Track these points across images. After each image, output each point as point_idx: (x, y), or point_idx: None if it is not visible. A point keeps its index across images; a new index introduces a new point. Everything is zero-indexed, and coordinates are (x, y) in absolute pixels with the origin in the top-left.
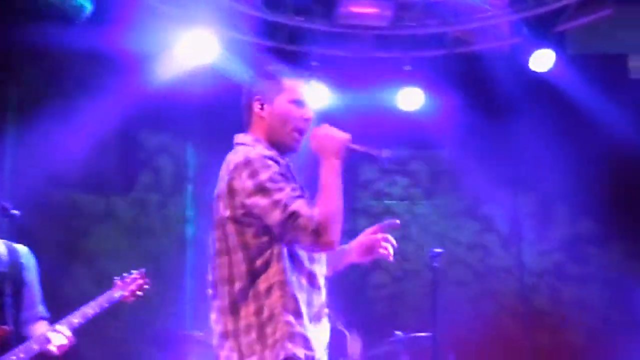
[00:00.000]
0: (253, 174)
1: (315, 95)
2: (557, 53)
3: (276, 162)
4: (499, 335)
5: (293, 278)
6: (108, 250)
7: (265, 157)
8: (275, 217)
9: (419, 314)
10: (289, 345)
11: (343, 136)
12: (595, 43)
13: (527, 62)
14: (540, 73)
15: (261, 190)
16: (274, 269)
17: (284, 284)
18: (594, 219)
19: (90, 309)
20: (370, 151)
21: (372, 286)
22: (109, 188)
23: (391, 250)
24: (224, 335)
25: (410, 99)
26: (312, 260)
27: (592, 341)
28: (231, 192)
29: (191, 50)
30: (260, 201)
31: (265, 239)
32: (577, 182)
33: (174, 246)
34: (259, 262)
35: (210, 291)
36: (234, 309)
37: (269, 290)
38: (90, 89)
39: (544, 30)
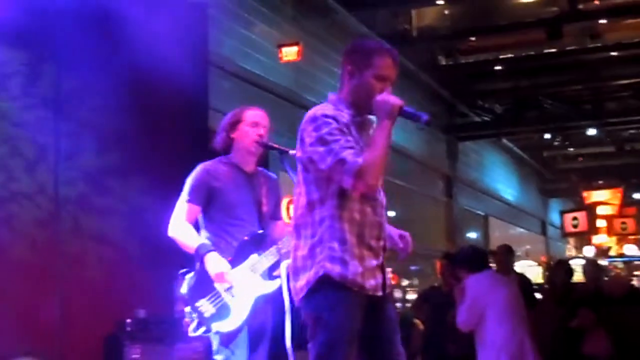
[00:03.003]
0: (316, 129)
1: None
2: None
3: (336, 120)
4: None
5: (344, 213)
6: None
7: (327, 115)
8: (327, 162)
9: None
10: (328, 265)
11: (397, 101)
12: None
13: None
14: None
15: (320, 141)
16: (327, 204)
17: (334, 217)
18: (119, 150)
19: None
20: (415, 114)
21: None
22: None
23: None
24: (293, 248)
25: None
26: (366, 200)
27: (111, 274)
28: (301, 140)
29: None
30: (319, 149)
31: (323, 179)
32: (109, 108)
33: None
34: (316, 197)
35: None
36: (297, 230)
37: (322, 220)
38: None
39: None
